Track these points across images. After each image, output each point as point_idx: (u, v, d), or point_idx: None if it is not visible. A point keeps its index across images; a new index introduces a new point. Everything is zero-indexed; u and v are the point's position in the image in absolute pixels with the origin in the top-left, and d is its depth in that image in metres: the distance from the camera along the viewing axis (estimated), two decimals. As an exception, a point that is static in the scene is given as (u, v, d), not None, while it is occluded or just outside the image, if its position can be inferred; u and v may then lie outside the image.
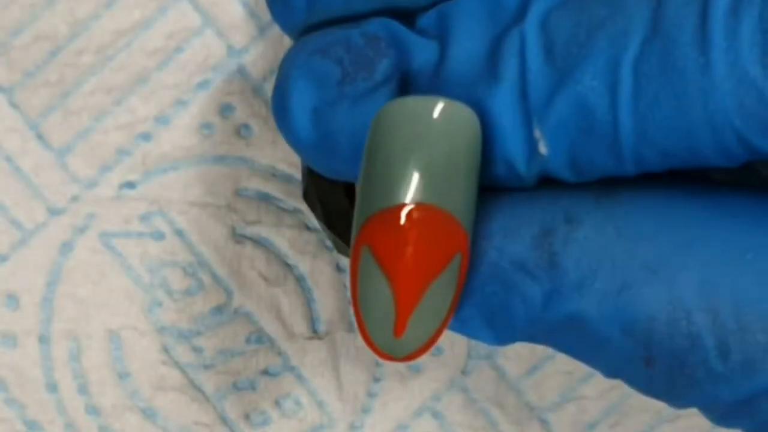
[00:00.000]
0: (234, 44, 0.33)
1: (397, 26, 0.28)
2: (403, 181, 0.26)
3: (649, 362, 0.27)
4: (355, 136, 0.28)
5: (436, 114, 0.26)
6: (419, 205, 0.26)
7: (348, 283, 0.34)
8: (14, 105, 0.33)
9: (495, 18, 0.27)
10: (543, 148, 0.27)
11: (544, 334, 0.28)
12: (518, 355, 0.34)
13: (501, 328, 0.28)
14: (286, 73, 0.29)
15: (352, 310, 0.32)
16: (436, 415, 0.34)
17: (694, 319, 0.26)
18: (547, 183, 0.28)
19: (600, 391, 0.34)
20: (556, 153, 0.27)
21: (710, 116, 0.25)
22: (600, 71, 0.26)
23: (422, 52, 0.28)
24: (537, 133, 0.27)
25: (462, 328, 0.28)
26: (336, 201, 0.31)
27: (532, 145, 0.27)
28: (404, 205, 0.26)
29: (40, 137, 0.33)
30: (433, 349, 0.34)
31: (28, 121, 0.33)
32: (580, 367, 0.33)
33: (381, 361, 0.32)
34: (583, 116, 0.26)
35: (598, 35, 0.26)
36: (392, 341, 0.27)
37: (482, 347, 0.34)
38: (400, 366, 0.34)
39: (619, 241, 0.27)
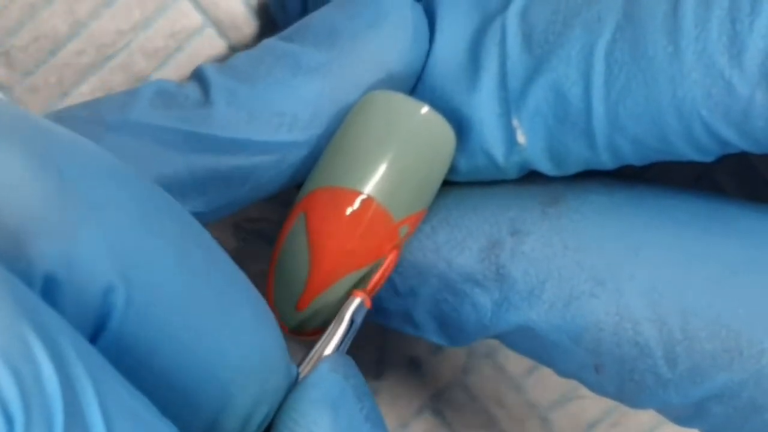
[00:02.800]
0: (235, 44, 0.33)
1: None
2: (363, 170, 0.26)
3: (599, 369, 0.27)
4: None
5: (417, 119, 0.26)
6: (367, 197, 0.26)
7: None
8: (14, 104, 0.32)
9: (480, 8, 0.27)
10: (521, 137, 0.26)
11: (496, 336, 0.28)
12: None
13: (453, 333, 0.28)
14: None
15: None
16: (436, 413, 0.34)
17: (641, 329, 0.26)
18: (527, 178, 0.28)
19: None
20: (534, 142, 0.26)
21: (678, 105, 0.25)
22: (574, 58, 0.25)
23: None
24: (515, 122, 0.26)
25: (416, 332, 0.29)
26: None
27: (510, 134, 0.27)
28: (359, 193, 0.26)
29: (40, 137, 0.33)
30: (432, 346, 0.34)
31: (28, 121, 0.33)
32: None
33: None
34: (559, 104, 0.26)
35: (574, 23, 0.26)
36: (292, 311, 0.27)
37: (483, 346, 0.34)
38: (402, 364, 0.34)
39: (566, 252, 0.27)
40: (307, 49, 0.27)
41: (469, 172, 0.28)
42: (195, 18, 0.32)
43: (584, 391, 0.34)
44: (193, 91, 0.27)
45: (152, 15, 0.32)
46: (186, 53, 0.32)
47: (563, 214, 0.27)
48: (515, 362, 0.34)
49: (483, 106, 0.26)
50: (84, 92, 0.33)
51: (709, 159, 0.26)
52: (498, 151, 0.27)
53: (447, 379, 0.34)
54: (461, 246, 0.27)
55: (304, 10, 0.30)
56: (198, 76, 0.27)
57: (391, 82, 0.27)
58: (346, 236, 0.26)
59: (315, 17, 0.28)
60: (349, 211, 0.26)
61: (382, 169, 0.26)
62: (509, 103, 0.26)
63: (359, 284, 0.27)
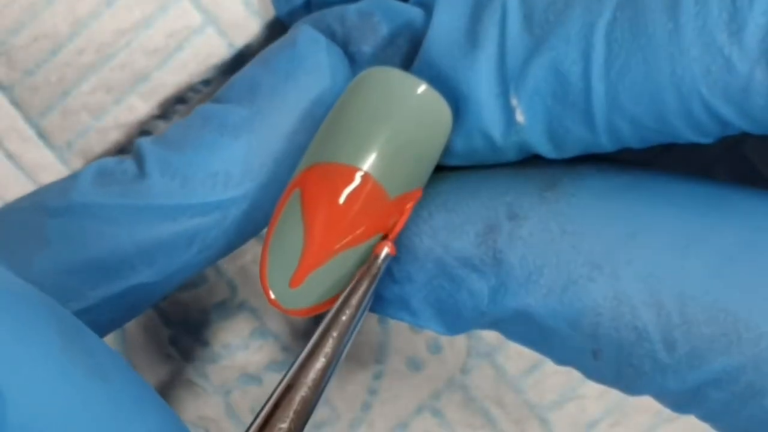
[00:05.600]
0: (235, 43, 0.32)
1: (391, 2, 0.28)
2: (358, 145, 0.26)
3: (597, 354, 0.26)
4: None
5: (415, 96, 0.26)
6: (362, 172, 0.26)
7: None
8: (15, 103, 0.32)
9: None
10: (520, 116, 0.26)
11: (493, 324, 0.27)
12: (518, 353, 0.33)
13: (450, 320, 0.28)
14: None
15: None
16: (435, 413, 0.34)
17: (639, 313, 0.26)
18: (527, 162, 0.28)
19: (600, 390, 0.34)
20: (533, 122, 0.26)
21: (677, 82, 0.24)
22: (574, 37, 0.25)
23: (412, 21, 0.28)
24: (513, 101, 0.26)
25: (412, 319, 0.28)
26: None
27: (508, 114, 0.26)
28: (354, 168, 0.26)
29: (40, 136, 0.33)
30: (432, 346, 0.34)
31: (28, 119, 0.33)
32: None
33: (273, 308, 0.32)
34: (558, 83, 0.25)
35: (574, 2, 0.25)
36: (285, 289, 0.27)
37: (482, 346, 0.33)
38: (401, 364, 0.34)
39: (564, 236, 0.26)
40: (231, 107, 0.28)
41: (467, 155, 0.27)
42: (195, 17, 0.32)
43: (584, 390, 0.33)
44: (131, 165, 0.27)
45: (152, 14, 0.32)
46: (186, 52, 0.32)
47: (561, 199, 0.26)
48: (514, 362, 0.33)
49: (481, 85, 0.26)
50: (84, 91, 0.32)
51: (708, 140, 0.25)
52: (496, 131, 0.26)
53: (446, 379, 0.34)
54: (458, 231, 0.27)
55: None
56: (136, 150, 0.28)
57: (315, 124, 0.28)
58: (341, 212, 0.26)
59: (239, 75, 0.28)
60: (344, 186, 0.26)
61: (378, 145, 0.26)
62: (508, 82, 0.26)
63: (362, 264, 0.27)
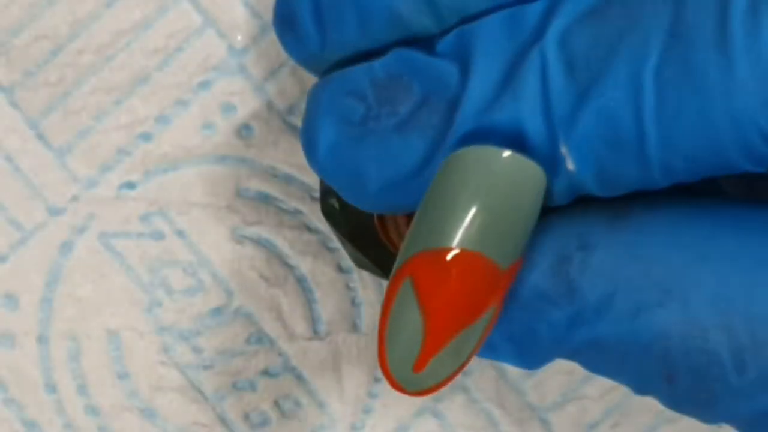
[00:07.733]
0: (235, 44, 0.32)
1: (417, 57, 0.28)
2: (461, 226, 0.26)
3: (671, 379, 0.26)
4: (383, 172, 0.28)
5: (502, 165, 0.26)
6: (472, 252, 0.26)
7: (352, 285, 0.34)
8: (14, 104, 0.32)
9: (514, 37, 0.27)
10: (570, 165, 0.26)
11: (569, 354, 0.27)
12: (519, 355, 0.33)
13: (528, 353, 0.28)
14: (312, 113, 0.29)
15: (377, 331, 0.32)
16: (436, 415, 0.34)
17: (710, 336, 0.26)
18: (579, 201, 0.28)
19: (601, 391, 0.34)
20: (584, 168, 0.26)
21: (734, 117, 0.24)
22: (622, 82, 0.25)
23: (445, 79, 0.27)
24: (563, 150, 0.26)
25: (492, 355, 0.28)
26: (358, 213, 0.31)
27: (559, 162, 0.26)
28: (462, 249, 0.26)
29: (40, 137, 0.33)
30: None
31: (28, 120, 0.33)
32: (581, 367, 0.33)
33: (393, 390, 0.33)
34: (609, 128, 0.25)
35: (618, 47, 0.25)
36: (409, 375, 0.27)
37: (483, 347, 0.33)
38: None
39: (633, 263, 0.26)
40: None
41: None
42: (195, 18, 0.32)
43: (585, 391, 0.33)
44: None
45: (153, 14, 0.32)
46: (186, 53, 0.32)
47: (629, 226, 0.27)
48: (515, 364, 0.34)
49: (528, 137, 0.26)
50: (84, 92, 0.32)
51: (762, 169, 0.25)
52: (548, 179, 0.26)
53: (447, 381, 0.34)
54: (533, 264, 0.27)
55: (322, 33, 0.29)
56: None
57: None
58: (458, 295, 0.26)
59: None
60: (456, 269, 0.26)
61: (478, 222, 0.26)
62: (556, 131, 0.26)
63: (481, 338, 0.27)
